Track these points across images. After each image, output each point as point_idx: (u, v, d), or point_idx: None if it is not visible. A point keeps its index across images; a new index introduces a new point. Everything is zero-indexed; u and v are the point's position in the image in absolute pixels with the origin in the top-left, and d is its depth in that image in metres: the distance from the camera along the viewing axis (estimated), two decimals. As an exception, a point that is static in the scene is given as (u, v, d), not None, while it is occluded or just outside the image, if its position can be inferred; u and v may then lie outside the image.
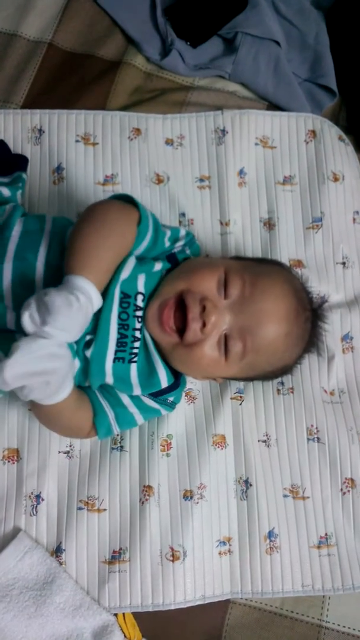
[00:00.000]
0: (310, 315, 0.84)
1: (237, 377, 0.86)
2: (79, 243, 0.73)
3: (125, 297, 0.77)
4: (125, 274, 0.76)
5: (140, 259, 0.80)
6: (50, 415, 0.78)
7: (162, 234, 0.82)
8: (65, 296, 0.65)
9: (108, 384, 0.79)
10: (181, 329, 0.76)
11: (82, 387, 0.81)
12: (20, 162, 0.98)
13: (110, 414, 0.81)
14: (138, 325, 0.78)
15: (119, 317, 0.76)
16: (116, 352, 0.77)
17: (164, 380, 0.81)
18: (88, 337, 0.75)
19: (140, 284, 0.79)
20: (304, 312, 0.82)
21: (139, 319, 0.78)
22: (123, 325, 0.77)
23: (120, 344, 0.77)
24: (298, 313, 0.80)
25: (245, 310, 0.77)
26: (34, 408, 0.78)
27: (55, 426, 0.83)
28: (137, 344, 0.78)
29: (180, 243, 0.87)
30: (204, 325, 0.75)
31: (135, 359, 0.79)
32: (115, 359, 0.77)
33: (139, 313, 0.78)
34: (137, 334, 0.78)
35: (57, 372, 0.67)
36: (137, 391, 0.80)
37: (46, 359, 0.65)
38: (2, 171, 0.94)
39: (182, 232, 0.87)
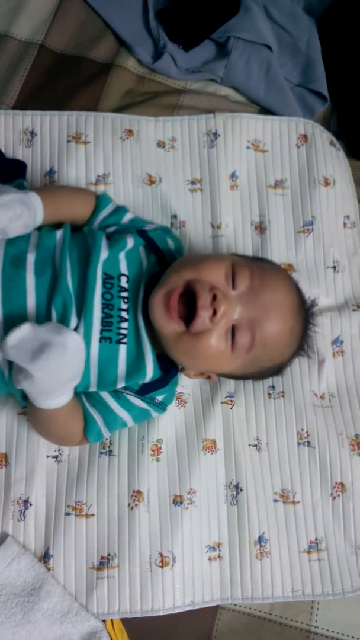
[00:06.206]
0: (305, 314, 0.85)
1: (235, 373, 0.84)
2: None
3: (108, 278, 0.79)
4: (104, 253, 0.79)
5: (109, 238, 0.83)
6: (43, 419, 0.79)
7: (122, 207, 0.90)
8: None
9: (92, 390, 0.79)
10: (186, 319, 0.75)
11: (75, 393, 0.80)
12: (19, 168, 0.96)
13: (99, 420, 0.81)
14: (124, 306, 0.79)
15: (103, 297, 0.77)
16: (102, 331, 0.77)
17: (149, 368, 0.79)
18: (73, 324, 0.76)
19: (123, 266, 0.81)
20: (303, 309, 0.84)
21: (125, 300, 0.79)
22: (107, 305, 0.77)
23: (106, 323, 0.77)
24: (300, 309, 0.82)
25: (255, 302, 0.76)
26: (30, 410, 0.78)
27: (46, 431, 0.83)
28: (124, 325, 0.78)
29: (151, 225, 0.89)
30: (213, 314, 0.74)
31: (124, 340, 0.78)
32: (102, 339, 0.77)
33: (124, 294, 0.79)
34: (124, 314, 0.79)
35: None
36: (121, 381, 0.79)
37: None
38: (1, 178, 0.92)
39: (155, 224, 0.91)
